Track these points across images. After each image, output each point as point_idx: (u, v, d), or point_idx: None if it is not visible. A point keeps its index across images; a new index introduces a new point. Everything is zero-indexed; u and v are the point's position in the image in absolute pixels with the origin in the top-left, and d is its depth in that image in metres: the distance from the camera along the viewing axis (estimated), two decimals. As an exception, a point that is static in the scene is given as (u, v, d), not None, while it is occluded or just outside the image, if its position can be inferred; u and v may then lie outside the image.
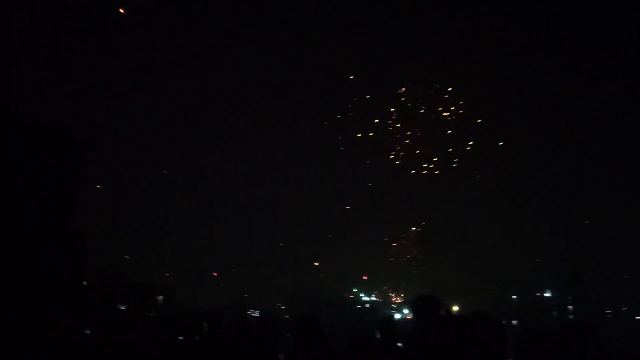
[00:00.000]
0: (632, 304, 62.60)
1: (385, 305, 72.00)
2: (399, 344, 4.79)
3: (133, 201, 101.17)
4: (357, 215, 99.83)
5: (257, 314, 42.94)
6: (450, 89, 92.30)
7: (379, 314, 57.62)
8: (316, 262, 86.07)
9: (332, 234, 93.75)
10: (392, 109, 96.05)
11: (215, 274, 79.14)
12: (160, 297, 42.02)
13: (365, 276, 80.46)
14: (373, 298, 76.79)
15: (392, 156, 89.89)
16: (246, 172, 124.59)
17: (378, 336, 5.02)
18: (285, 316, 51.52)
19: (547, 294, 62.56)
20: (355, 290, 77.23)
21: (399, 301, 74.07)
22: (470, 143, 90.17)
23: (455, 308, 54.33)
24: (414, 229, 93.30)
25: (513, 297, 63.93)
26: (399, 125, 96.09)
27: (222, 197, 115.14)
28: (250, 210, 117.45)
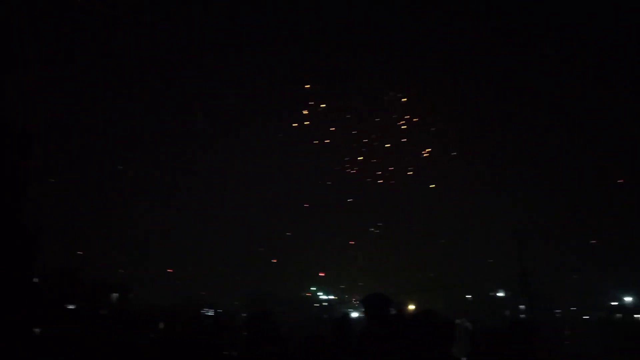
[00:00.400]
0: (581, 304, 64.69)
1: (343, 303, 72.38)
2: (353, 342, 4.84)
3: (87, 196, 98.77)
4: (316, 213, 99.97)
5: (211, 313, 42.51)
6: (404, 99, 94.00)
7: (337, 313, 57.80)
8: (274, 259, 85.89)
9: (291, 232, 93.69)
10: (348, 116, 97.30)
11: (171, 270, 77.98)
12: (115, 295, 41.19)
13: (322, 273, 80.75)
14: (331, 297, 77.01)
15: (348, 166, 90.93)
16: (204, 169, 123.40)
17: (333, 334, 5.06)
18: (243, 314, 51.19)
19: (500, 294, 64.13)
20: (313, 288, 77.37)
21: (357, 300, 74.46)
22: (425, 153, 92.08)
23: (412, 307, 55.05)
24: (372, 229, 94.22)
25: (467, 296, 65.19)
26: (355, 132, 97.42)
27: (179, 193, 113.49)
28: (207, 206, 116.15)
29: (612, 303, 58.52)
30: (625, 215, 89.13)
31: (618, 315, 55.98)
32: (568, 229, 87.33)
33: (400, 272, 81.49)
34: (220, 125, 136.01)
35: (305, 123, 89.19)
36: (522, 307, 47.56)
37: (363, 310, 4.54)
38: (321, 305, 69.66)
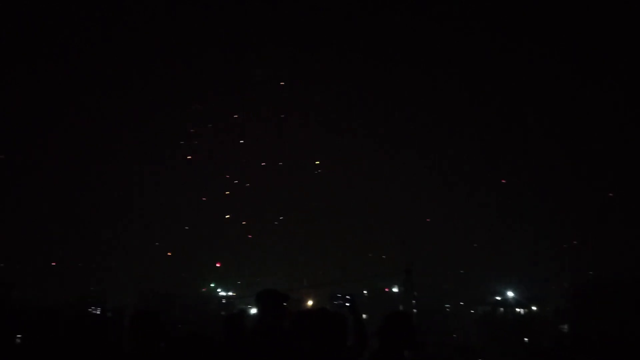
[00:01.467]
0: (469, 299, 68.89)
1: (242, 299, 71.96)
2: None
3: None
4: (215, 207, 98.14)
5: (98, 312, 40.84)
6: (304, 119, 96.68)
7: (235, 309, 57.30)
8: (169, 252, 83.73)
9: (189, 226, 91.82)
10: (241, 141, 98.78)
11: (54, 263, 73.37)
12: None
13: (218, 263, 79.87)
14: (230, 293, 76.34)
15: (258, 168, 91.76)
16: (95, 160, 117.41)
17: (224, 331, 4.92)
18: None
19: (395, 289, 66.67)
20: (212, 285, 76.25)
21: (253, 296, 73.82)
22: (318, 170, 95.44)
23: (310, 302, 55.84)
24: (274, 223, 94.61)
25: (364, 292, 67.06)
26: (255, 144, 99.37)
27: (68, 180, 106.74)
28: (99, 197, 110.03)
29: (497, 298, 62.48)
30: (508, 216, 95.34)
31: (501, 309, 60.02)
32: (460, 225, 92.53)
33: (299, 267, 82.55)
34: (114, 121, 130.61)
35: (194, 142, 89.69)
36: (414, 302, 49.66)
37: (256, 306, 4.50)
38: (220, 301, 68.85)
